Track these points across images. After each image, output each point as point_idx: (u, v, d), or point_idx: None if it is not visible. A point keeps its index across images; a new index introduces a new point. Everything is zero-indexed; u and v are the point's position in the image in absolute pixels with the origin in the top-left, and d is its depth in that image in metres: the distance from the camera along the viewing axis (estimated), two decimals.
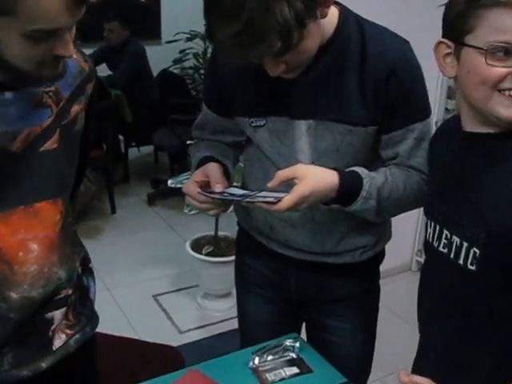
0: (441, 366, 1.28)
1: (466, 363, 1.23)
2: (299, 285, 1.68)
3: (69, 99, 1.27)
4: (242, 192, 1.47)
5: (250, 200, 1.40)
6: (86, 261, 1.48)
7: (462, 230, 1.18)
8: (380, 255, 1.70)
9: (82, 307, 1.44)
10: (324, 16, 1.29)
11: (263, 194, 1.42)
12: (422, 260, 3.45)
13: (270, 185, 1.37)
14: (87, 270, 1.49)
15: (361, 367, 1.77)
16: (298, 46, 1.24)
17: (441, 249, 1.24)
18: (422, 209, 1.44)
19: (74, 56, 1.21)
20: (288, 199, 1.32)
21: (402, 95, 1.40)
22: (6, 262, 1.23)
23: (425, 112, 1.46)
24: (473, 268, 1.15)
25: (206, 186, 1.47)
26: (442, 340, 1.28)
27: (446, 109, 3.55)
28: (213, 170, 1.50)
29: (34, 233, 1.25)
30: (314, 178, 1.36)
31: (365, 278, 1.70)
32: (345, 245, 1.59)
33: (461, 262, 1.18)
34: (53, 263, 1.30)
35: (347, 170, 1.44)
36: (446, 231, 1.22)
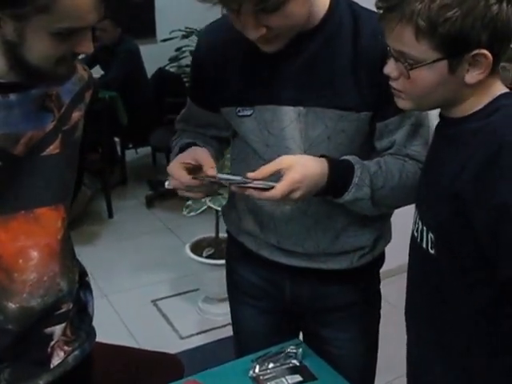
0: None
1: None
2: (294, 294, 1.62)
3: (69, 105, 1.29)
4: (231, 177, 1.37)
5: (241, 185, 1.31)
6: (83, 274, 1.47)
7: (423, 214, 1.24)
8: (379, 259, 1.62)
9: (81, 323, 1.43)
10: None
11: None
12: None
13: (251, 175, 1.29)
14: (84, 284, 1.47)
15: (362, 379, 1.69)
16: (281, 7, 1.21)
17: (414, 232, 1.28)
18: None
19: None
20: (281, 185, 1.26)
21: None
22: (4, 270, 1.22)
23: None
24: (432, 252, 1.20)
25: (193, 170, 1.38)
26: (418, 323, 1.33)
27: None
28: (203, 153, 1.41)
29: (34, 239, 1.25)
30: (303, 164, 1.31)
31: (364, 284, 1.63)
32: (341, 244, 1.52)
33: (424, 245, 1.22)
34: (54, 272, 1.29)
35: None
36: (417, 215, 1.27)
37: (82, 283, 1.46)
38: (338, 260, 1.53)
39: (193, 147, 1.47)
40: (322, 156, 1.36)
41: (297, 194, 1.29)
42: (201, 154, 1.40)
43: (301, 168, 1.29)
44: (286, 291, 1.61)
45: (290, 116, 1.40)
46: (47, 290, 1.28)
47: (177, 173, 1.37)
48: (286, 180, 1.27)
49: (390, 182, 1.40)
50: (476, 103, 1.13)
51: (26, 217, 1.22)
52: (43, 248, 1.26)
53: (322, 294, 1.59)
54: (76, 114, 1.31)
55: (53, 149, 1.24)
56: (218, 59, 1.46)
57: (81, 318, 1.43)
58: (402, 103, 1.20)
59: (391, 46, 1.13)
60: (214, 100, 1.51)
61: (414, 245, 1.27)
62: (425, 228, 1.22)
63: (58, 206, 1.28)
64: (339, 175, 1.35)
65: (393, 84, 1.18)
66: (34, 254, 1.25)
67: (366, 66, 1.35)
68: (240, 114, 1.45)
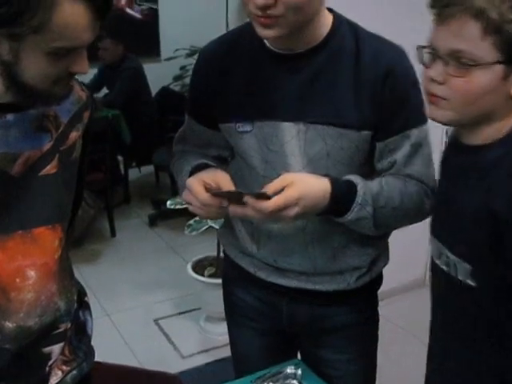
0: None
1: None
2: (291, 316, 1.60)
3: (67, 125, 1.28)
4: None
5: (242, 192, 1.31)
6: (82, 294, 1.46)
7: (453, 245, 1.19)
8: (376, 281, 1.61)
9: (79, 342, 1.41)
10: None
11: None
12: None
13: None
14: (83, 304, 1.46)
15: None
16: None
17: (441, 266, 1.23)
18: None
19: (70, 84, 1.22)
20: (276, 199, 1.26)
21: (400, 96, 1.37)
22: (1, 289, 1.21)
23: (422, 118, 1.38)
24: (470, 283, 1.15)
25: (210, 191, 1.36)
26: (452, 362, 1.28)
27: None
28: (225, 178, 1.38)
29: (31, 259, 1.24)
30: (304, 182, 1.31)
31: (361, 306, 1.61)
32: (338, 264, 1.50)
33: (459, 277, 1.18)
34: (51, 292, 1.28)
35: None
36: (443, 247, 1.21)
37: (81, 303, 1.45)
38: (334, 281, 1.51)
39: (213, 168, 1.45)
40: (324, 175, 1.35)
41: (292, 212, 1.27)
42: (222, 178, 1.38)
43: (301, 186, 1.28)
44: (283, 313, 1.60)
45: (290, 132, 1.39)
46: (44, 309, 1.27)
47: (196, 188, 1.36)
48: (282, 195, 1.26)
49: (391, 202, 1.39)
50: (499, 130, 1.11)
51: (23, 237, 1.22)
52: (40, 268, 1.25)
53: (320, 316, 1.58)
54: (74, 135, 1.30)
55: (50, 169, 1.24)
56: (218, 74, 1.46)
57: (79, 338, 1.42)
58: (439, 113, 1.14)
59: (442, 46, 1.08)
60: (212, 115, 1.50)
61: (446, 279, 1.22)
62: (456, 258, 1.17)
63: (55, 226, 1.27)
64: (342, 195, 1.34)
65: (435, 90, 1.12)
66: (31, 273, 1.24)
67: (368, 86, 1.35)
68: (240, 129, 1.44)
